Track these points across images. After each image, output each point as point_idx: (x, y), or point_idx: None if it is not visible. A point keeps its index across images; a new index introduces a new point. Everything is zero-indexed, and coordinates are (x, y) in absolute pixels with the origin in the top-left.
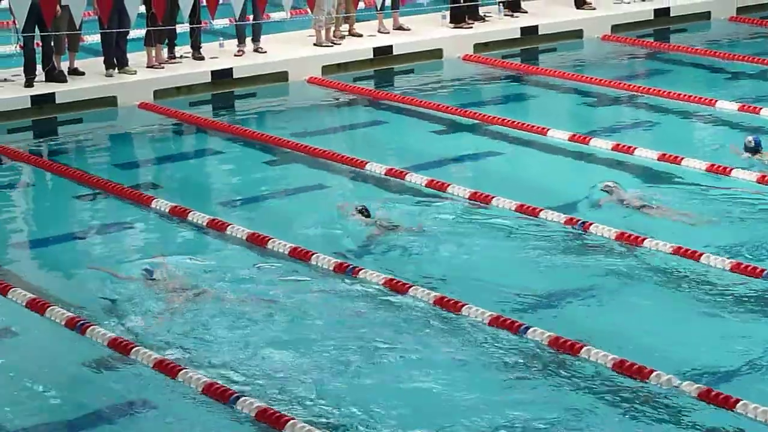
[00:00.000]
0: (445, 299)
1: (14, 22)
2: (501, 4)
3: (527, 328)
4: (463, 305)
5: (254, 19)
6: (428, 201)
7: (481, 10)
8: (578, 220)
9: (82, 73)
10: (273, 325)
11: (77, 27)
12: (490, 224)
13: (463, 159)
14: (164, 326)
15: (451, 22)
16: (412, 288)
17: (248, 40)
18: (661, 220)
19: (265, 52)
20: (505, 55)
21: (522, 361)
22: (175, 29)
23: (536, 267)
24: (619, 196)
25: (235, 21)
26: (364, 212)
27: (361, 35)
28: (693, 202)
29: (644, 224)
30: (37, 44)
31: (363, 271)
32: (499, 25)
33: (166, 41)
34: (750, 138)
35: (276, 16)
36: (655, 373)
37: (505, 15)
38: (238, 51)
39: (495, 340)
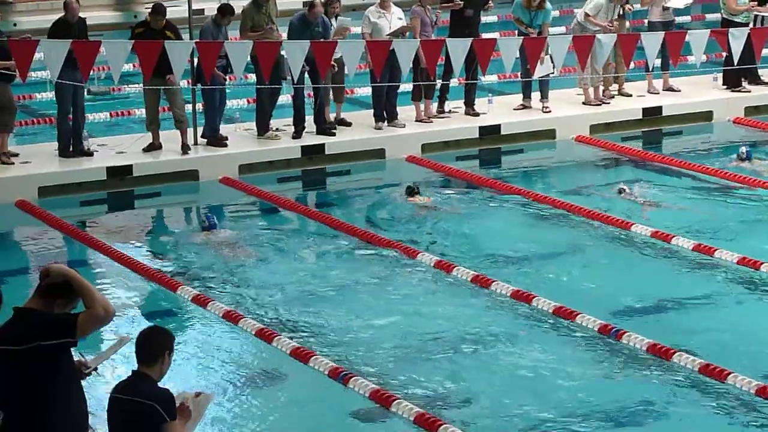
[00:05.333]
0: (711, 366)
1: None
2: None
3: None
4: (728, 373)
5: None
6: (696, 266)
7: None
8: None
9: (349, 124)
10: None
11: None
12: (761, 290)
13: (732, 223)
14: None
15: (724, 84)
16: (676, 354)
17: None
18: None
19: (550, 111)
20: None
21: None
22: (448, 84)
23: None
24: None
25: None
26: None
27: (630, 95)
28: None
29: None
30: (308, 95)
31: (627, 335)
32: None
33: (437, 95)
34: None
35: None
36: None
37: None
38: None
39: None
